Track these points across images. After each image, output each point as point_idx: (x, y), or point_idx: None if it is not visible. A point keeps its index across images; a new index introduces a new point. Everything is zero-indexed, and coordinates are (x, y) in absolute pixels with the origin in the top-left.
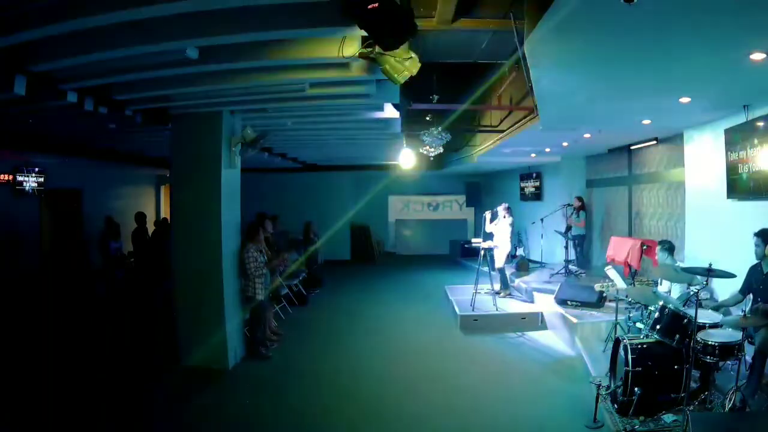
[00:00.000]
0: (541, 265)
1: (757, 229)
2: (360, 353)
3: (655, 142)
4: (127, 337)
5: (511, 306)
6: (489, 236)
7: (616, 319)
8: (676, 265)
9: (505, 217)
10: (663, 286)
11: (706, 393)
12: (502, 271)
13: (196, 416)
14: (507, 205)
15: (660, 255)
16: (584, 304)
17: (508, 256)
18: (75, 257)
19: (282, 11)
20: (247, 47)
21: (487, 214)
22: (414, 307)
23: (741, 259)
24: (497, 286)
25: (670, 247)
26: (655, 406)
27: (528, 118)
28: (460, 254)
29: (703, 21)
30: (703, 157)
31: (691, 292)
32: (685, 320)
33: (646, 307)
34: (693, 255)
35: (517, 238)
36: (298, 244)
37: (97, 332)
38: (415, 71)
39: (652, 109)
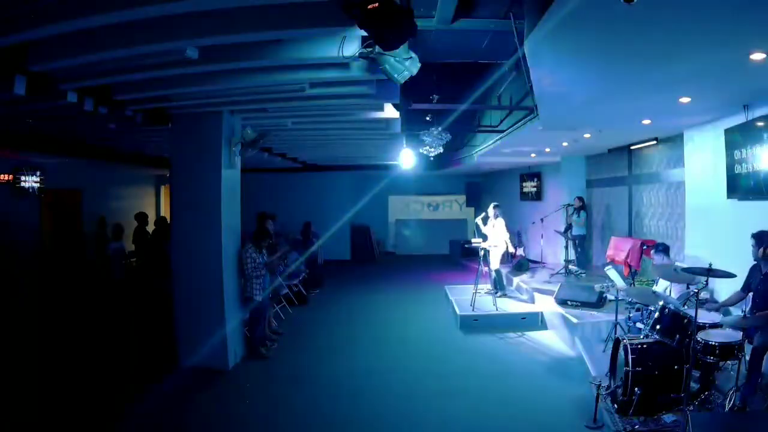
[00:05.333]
0: (541, 265)
1: (755, 230)
2: (360, 353)
3: (655, 142)
4: (126, 337)
5: (511, 306)
6: (485, 238)
7: (616, 319)
8: (676, 264)
9: (497, 217)
10: (659, 286)
11: (706, 393)
12: (498, 272)
13: (196, 416)
14: (496, 204)
15: (656, 258)
16: (584, 304)
17: (504, 256)
18: (74, 257)
19: (282, 11)
20: (247, 47)
21: (479, 220)
22: (414, 307)
23: (741, 259)
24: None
25: (664, 249)
26: (655, 406)
27: (528, 118)
28: (460, 254)
29: (703, 21)
30: (703, 157)
31: (691, 292)
32: (685, 320)
33: (646, 306)
34: (693, 255)
35: (518, 238)
36: (298, 244)
37: (97, 332)
38: (415, 71)
39: (652, 109)
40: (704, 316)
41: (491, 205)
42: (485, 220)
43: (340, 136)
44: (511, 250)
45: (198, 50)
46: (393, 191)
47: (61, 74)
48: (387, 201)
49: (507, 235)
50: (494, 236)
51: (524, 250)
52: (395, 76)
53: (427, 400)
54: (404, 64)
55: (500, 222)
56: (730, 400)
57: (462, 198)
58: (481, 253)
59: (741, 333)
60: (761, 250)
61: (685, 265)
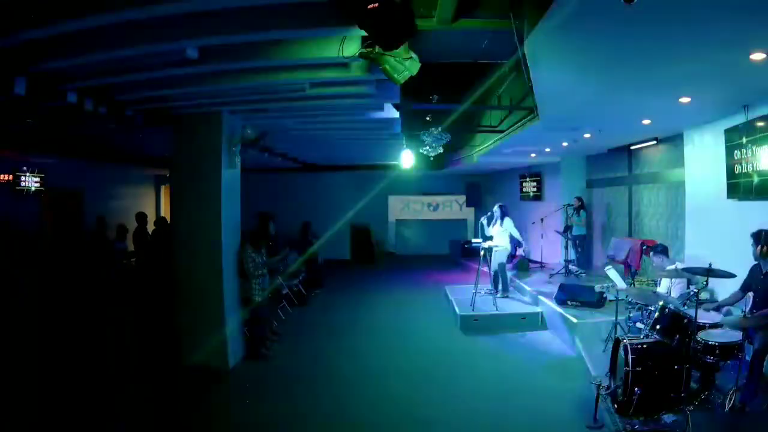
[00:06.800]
0: (541, 265)
1: (755, 230)
2: (360, 353)
3: (655, 142)
4: (127, 336)
5: (511, 306)
6: (489, 239)
7: (616, 319)
8: (676, 265)
9: (504, 217)
10: (661, 287)
11: (706, 393)
12: (504, 272)
13: (196, 416)
14: (501, 204)
15: (655, 260)
16: (584, 304)
17: (508, 256)
18: (75, 258)
19: (282, 11)
20: (247, 47)
21: (484, 219)
22: (414, 307)
23: (741, 259)
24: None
25: (662, 250)
26: (655, 406)
27: (528, 118)
28: (460, 254)
29: (703, 21)
30: (703, 157)
31: (691, 292)
32: (685, 320)
33: (646, 306)
34: (693, 255)
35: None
36: (297, 245)
37: (97, 332)
38: (415, 71)
39: (652, 109)
40: (704, 316)
41: (496, 205)
42: (490, 220)
43: (340, 136)
44: (524, 246)
45: (198, 50)
46: (393, 191)
47: (61, 74)
48: (387, 201)
49: (517, 233)
50: (499, 237)
51: (524, 250)
52: (395, 76)
53: (427, 399)
54: (404, 64)
55: (508, 221)
56: (730, 400)
57: (462, 198)
58: (482, 253)
59: (741, 333)
60: (759, 248)
61: (685, 265)
